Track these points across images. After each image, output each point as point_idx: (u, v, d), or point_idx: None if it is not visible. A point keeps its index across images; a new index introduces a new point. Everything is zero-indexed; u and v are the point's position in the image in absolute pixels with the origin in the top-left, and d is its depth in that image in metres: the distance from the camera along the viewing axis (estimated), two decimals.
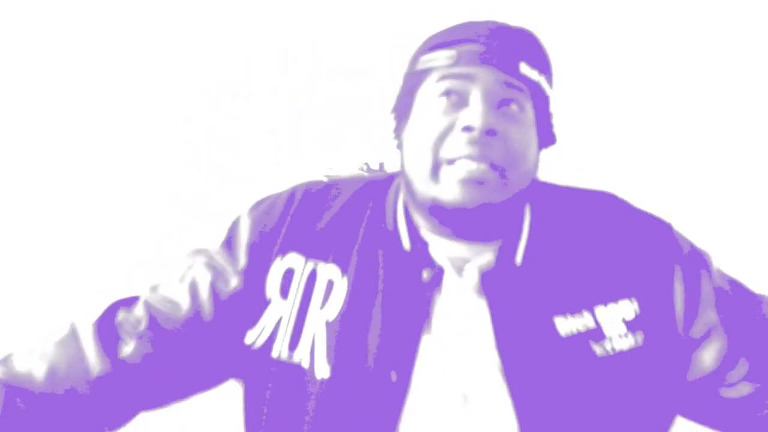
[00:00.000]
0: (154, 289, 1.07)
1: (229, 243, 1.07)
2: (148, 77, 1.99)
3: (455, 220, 0.99)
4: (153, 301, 1.05)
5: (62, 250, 1.91)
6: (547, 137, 1.07)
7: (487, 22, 1.07)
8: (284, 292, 1.02)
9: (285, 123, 1.96)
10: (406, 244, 1.03)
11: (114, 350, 1.02)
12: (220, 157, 1.96)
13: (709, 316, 1.03)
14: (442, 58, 1.03)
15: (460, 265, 1.01)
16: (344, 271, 1.02)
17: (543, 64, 1.06)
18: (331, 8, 1.94)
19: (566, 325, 0.99)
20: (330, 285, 1.02)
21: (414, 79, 1.05)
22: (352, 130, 1.91)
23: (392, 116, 1.10)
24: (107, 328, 1.03)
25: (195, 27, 2.00)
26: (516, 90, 1.00)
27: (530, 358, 0.97)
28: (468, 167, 0.97)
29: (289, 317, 1.01)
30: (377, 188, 1.10)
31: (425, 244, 1.02)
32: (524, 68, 1.02)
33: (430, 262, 1.01)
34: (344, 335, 0.99)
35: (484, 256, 1.01)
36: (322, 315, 1.01)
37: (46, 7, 1.95)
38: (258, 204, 1.11)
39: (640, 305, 1.00)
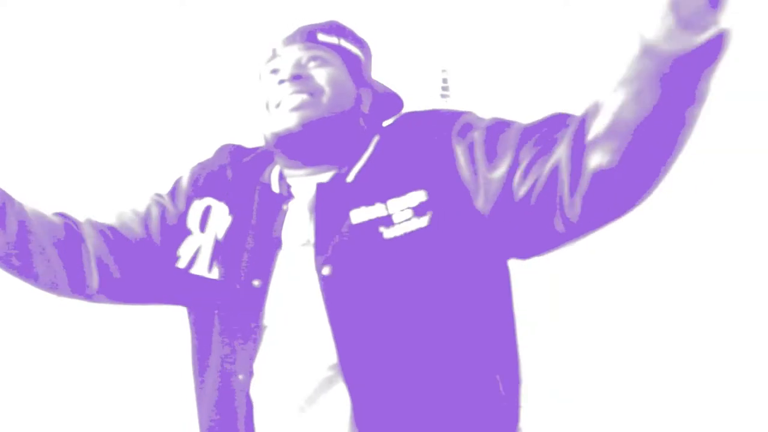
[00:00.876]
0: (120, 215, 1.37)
1: (173, 191, 1.38)
2: (144, 78, 1.99)
3: (290, 145, 1.26)
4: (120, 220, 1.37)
5: None
6: (362, 82, 1.32)
7: (300, 29, 1.35)
8: (202, 226, 1.32)
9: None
10: (275, 187, 1.31)
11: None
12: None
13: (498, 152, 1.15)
14: (268, 54, 1.34)
15: (309, 190, 1.25)
16: (232, 209, 1.32)
17: (341, 32, 1.34)
18: (328, 8, 1.94)
19: (360, 215, 1.19)
20: (223, 217, 1.32)
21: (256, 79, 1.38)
22: None
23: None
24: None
25: (194, 27, 2.00)
26: (320, 51, 1.30)
27: (331, 244, 1.19)
28: (286, 101, 1.25)
29: (205, 243, 1.31)
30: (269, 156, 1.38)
31: (288, 186, 1.28)
32: (321, 36, 1.32)
33: (288, 196, 1.28)
34: (227, 251, 1.28)
35: (324, 176, 1.26)
36: (216, 236, 1.32)
37: (46, 8, 1.95)
38: (197, 164, 1.41)
39: (428, 192, 1.18)
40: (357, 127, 1.31)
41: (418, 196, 1.18)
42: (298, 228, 1.24)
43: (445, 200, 1.17)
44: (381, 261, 1.16)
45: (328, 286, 1.17)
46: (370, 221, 1.19)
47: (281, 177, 1.32)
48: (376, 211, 1.20)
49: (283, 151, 1.28)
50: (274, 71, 1.30)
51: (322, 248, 1.20)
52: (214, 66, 2.01)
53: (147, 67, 2.00)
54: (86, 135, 1.97)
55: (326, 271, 1.18)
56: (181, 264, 1.31)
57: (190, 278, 1.29)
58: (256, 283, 1.23)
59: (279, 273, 1.23)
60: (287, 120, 1.24)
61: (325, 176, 1.27)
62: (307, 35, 1.32)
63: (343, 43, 1.34)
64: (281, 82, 1.27)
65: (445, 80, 1.93)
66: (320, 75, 1.28)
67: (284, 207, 1.27)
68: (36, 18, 1.95)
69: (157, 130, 2.00)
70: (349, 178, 1.25)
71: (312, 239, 1.22)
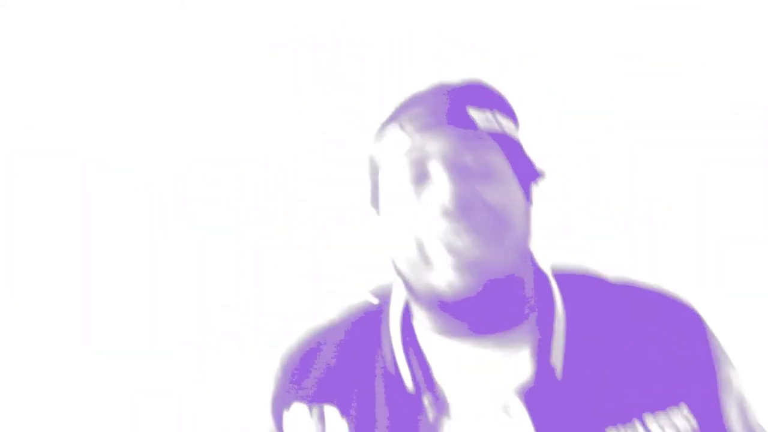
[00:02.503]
0: None
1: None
2: (144, 78, 1.99)
3: (464, 311, 0.91)
4: None
5: (62, 252, 1.92)
6: (528, 174, 0.98)
7: (427, 88, 0.99)
8: None
9: (284, 124, 1.97)
10: (409, 384, 0.94)
11: None
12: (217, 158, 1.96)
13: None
14: (390, 135, 0.96)
15: (483, 382, 0.92)
16: (342, 413, 0.95)
17: (493, 100, 0.97)
18: (324, 8, 1.94)
19: None
20: (332, 427, 0.96)
21: (374, 167, 0.99)
22: (348, 130, 1.91)
23: (373, 211, 1.02)
24: None
25: (194, 26, 2.00)
26: (475, 140, 0.93)
27: None
28: (455, 248, 0.89)
29: None
30: (369, 321, 1.02)
31: (431, 380, 0.93)
32: (473, 113, 0.94)
33: (434, 398, 0.92)
34: None
35: (512, 360, 0.92)
36: None
37: (45, 7, 1.95)
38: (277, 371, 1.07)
39: (691, 410, 0.92)
40: (532, 268, 0.98)
41: (680, 414, 0.91)
42: None
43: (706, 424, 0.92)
44: None
45: None
46: None
47: (412, 358, 0.95)
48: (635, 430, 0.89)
49: (453, 316, 0.92)
50: (419, 181, 0.92)
51: None
52: (215, 66, 2.01)
53: (147, 67, 2.00)
54: (86, 135, 1.97)
55: None
56: None
57: None
58: None
59: None
60: (459, 278, 0.88)
61: (508, 349, 0.92)
62: (456, 112, 0.93)
63: (500, 120, 0.96)
64: (442, 211, 0.89)
65: None
66: (492, 199, 0.91)
67: (430, 414, 0.91)
68: (36, 18, 1.95)
69: (156, 130, 2.00)
70: (557, 370, 0.91)
71: None
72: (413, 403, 0.92)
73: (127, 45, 1.98)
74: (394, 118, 0.97)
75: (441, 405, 0.92)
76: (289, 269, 1.90)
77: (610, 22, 1.81)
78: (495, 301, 0.90)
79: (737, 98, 1.79)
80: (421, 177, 0.92)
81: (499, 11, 1.84)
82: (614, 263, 1.80)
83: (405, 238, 0.92)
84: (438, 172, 0.91)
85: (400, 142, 0.94)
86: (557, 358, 0.92)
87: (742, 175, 1.81)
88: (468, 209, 0.89)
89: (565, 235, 1.74)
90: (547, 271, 1.00)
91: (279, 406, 1.01)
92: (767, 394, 1.79)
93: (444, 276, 0.89)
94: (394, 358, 0.96)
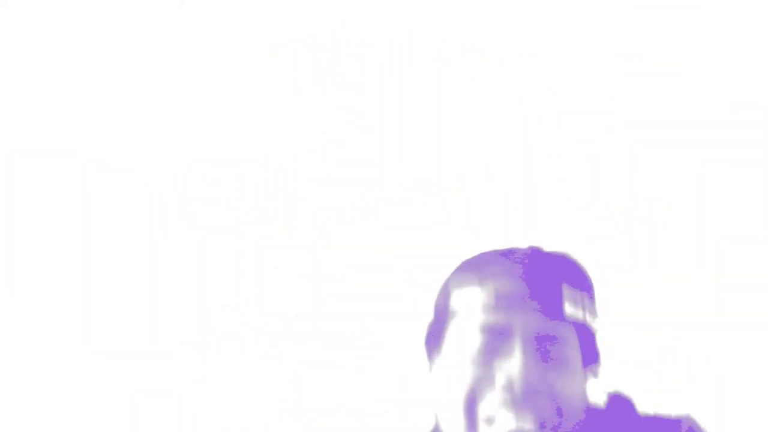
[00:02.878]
0: None
1: None
2: (144, 78, 1.99)
3: None
4: None
5: (62, 252, 1.91)
6: (590, 358, 0.97)
7: (521, 253, 0.97)
8: None
9: (284, 124, 1.96)
10: None
11: None
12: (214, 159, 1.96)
13: None
14: (476, 299, 0.93)
15: None
16: None
17: (585, 291, 0.95)
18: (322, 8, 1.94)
19: None
20: None
21: (446, 315, 0.97)
22: (348, 130, 1.91)
23: (425, 351, 1.02)
24: None
25: (193, 27, 2.00)
26: (559, 329, 0.91)
27: None
28: (507, 426, 0.87)
29: None
30: None
31: None
32: (568, 308, 0.92)
33: None
34: None
35: None
36: None
37: (45, 7, 1.95)
38: None
39: None
40: None
41: None
42: None
43: None
44: None
45: None
46: None
47: None
48: None
49: None
50: (489, 340, 0.91)
51: None
52: (215, 66, 2.01)
53: (147, 67, 2.00)
54: (86, 135, 1.97)
55: None
56: None
57: None
58: None
59: None
60: None
61: None
62: (551, 303, 0.91)
63: (587, 305, 0.95)
64: (508, 387, 0.88)
65: None
66: (561, 389, 0.90)
67: None
68: (36, 18, 1.95)
69: (156, 130, 2.00)
70: None
71: None
72: None
73: (127, 45, 1.98)
74: (480, 281, 0.94)
75: None
76: (289, 269, 1.90)
77: (610, 22, 1.81)
78: None
79: (737, 98, 1.79)
80: (495, 351, 0.90)
81: (499, 11, 1.84)
82: (615, 263, 1.81)
83: (455, 400, 0.91)
84: (516, 348, 0.89)
85: (484, 301, 0.93)
86: None
87: (742, 175, 1.81)
88: (532, 393, 0.88)
89: (565, 235, 1.74)
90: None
91: None
92: (767, 393, 1.79)
93: None
94: None
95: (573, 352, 0.92)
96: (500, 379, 0.88)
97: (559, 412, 0.89)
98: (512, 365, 0.88)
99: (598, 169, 1.82)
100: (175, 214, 1.92)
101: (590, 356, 0.96)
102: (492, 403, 0.88)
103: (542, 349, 0.90)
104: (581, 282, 0.95)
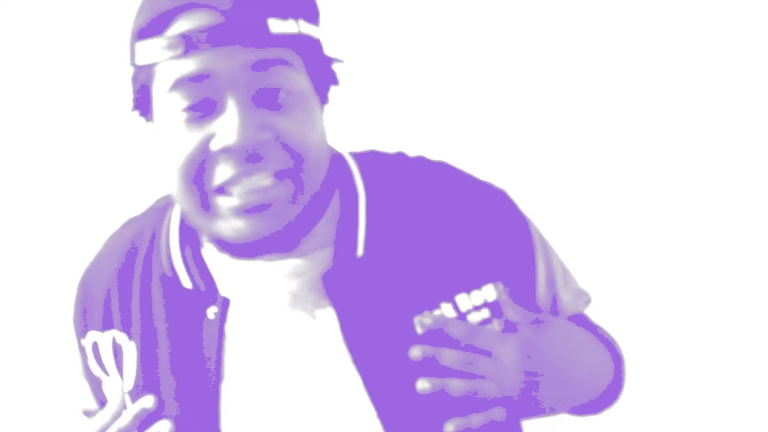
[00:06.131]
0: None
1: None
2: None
3: (247, 251, 0.84)
4: None
5: (62, 252, 1.92)
6: (325, 86, 0.88)
7: None
8: (102, 368, 0.94)
9: None
10: (186, 282, 0.87)
11: None
12: None
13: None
14: (161, 48, 0.80)
15: (273, 276, 0.85)
16: (130, 335, 0.88)
17: (295, 5, 0.82)
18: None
19: (425, 322, 0.84)
20: (121, 352, 0.90)
21: (142, 75, 0.85)
22: (347, 130, 1.91)
23: (137, 118, 0.91)
24: None
25: None
26: (275, 63, 0.78)
27: (391, 369, 0.82)
28: (243, 193, 0.79)
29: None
30: (138, 226, 0.96)
31: (209, 276, 0.87)
32: (275, 25, 0.78)
33: (213, 296, 0.85)
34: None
35: (312, 256, 0.85)
36: (124, 386, 0.90)
37: (45, 7, 1.95)
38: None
39: (506, 288, 0.88)
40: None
41: (494, 291, 0.88)
42: (261, 345, 0.83)
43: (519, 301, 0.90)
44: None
45: (384, 405, 0.81)
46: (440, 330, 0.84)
47: (188, 257, 0.88)
48: (445, 313, 0.85)
49: (233, 253, 0.86)
50: (194, 103, 0.78)
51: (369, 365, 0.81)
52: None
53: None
54: (86, 135, 1.97)
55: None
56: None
57: None
58: None
59: (232, 418, 0.83)
60: (244, 226, 0.80)
61: (285, 263, 0.85)
62: (255, 26, 0.76)
63: (303, 26, 0.81)
64: (226, 151, 0.78)
65: None
66: (293, 133, 0.80)
67: (210, 313, 0.84)
68: (35, 17, 1.95)
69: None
70: (359, 251, 0.86)
71: (335, 345, 0.82)
72: (193, 301, 0.86)
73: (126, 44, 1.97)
74: (159, 26, 0.80)
75: (220, 300, 0.85)
76: None
77: (610, 22, 1.81)
78: (288, 235, 0.83)
79: (737, 98, 1.79)
80: (203, 105, 0.79)
81: (498, 11, 1.84)
82: (614, 263, 1.80)
83: (178, 175, 0.81)
84: (226, 104, 0.78)
85: (173, 56, 0.79)
86: (359, 235, 0.86)
87: (741, 175, 1.80)
88: (259, 147, 0.78)
89: (565, 234, 1.74)
90: (345, 153, 0.94)
91: (78, 332, 0.97)
92: (766, 392, 1.79)
93: (228, 224, 0.80)
94: (170, 258, 0.89)
95: (298, 85, 0.80)
96: (216, 143, 0.79)
97: (296, 157, 0.80)
98: (226, 123, 0.77)
99: (598, 168, 1.82)
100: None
101: (321, 71, 0.85)
102: (216, 172, 0.79)
103: (258, 92, 0.78)
104: (293, 7, 0.81)
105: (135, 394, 0.88)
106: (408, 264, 0.85)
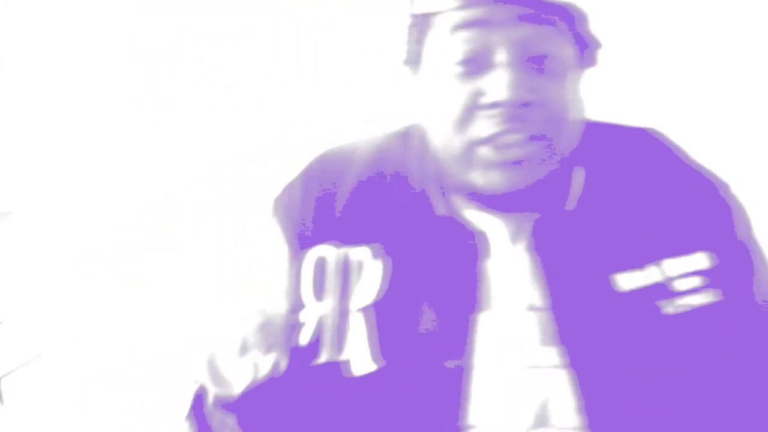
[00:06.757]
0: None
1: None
2: (145, 78, 1.99)
3: (497, 204, 0.88)
4: None
5: (62, 252, 1.92)
6: (586, 59, 0.93)
7: None
8: (318, 293, 0.90)
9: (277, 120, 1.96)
10: (441, 208, 0.91)
11: None
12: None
13: None
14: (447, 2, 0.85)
15: (505, 225, 0.89)
16: (375, 252, 0.89)
17: None
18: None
19: (629, 280, 0.85)
20: (363, 269, 0.89)
21: (418, 24, 0.91)
22: (348, 130, 1.91)
23: (407, 69, 0.96)
24: None
25: (193, 26, 2.00)
26: (547, 26, 0.84)
27: (589, 321, 0.84)
28: (503, 147, 0.84)
29: (331, 317, 0.88)
30: (395, 146, 0.97)
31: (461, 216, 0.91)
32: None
33: (469, 227, 0.89)
34: (387, 323, 0.86)
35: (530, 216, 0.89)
36: (360, 304, 0.88)
37: (45, 7, 1.95)
38: (277, 202, 1.00)
39: (712, 257, 0.87)
40: None
41: (702, 260, 0.87)
42: (509, 281, 0.87)
43: (736, 277, 0.88)
44: (661, 349, 0.83)
45: (581, 364, 0.82)
46: (643, 290, 0.85)
47: (441, 186, 0.92)
48: (650, 275, 0.86)
49: (482, 204, 0.90)
50: (469, 55, 0.84)
51: (566, 317, 0.84)
52: (214, 66, 2.01)
53: (147, 67, 2.00)
54: (87, 135, 1.97)
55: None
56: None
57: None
58: (450, 364, 0.83)
59: (483, 347, 0.85)
60: (501, 178, 0.85)
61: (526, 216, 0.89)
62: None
63: None
64: (495, 105, 0.83)
65: None
66: (555, 101, 0.85)
67: (472, 245, 0.87)
68: (36, 17, 1.95)
69: (157, 130, 2.00)
70: (569, 205, 0.90)
71: (541, 303, 0.86)
72: (445, 228, 0.90)
73: (127, 45, 1.98)
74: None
75: (476, 231, 0.90)
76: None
77: (610, 22, 1.80)
78: (531, 196, 0.88)
79: (737, 98, 1.79)
80: (479, 65, 0.85)
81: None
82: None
83: (444, 125, 0.86)
84: (499, 61, 0.83)
85: (456, 6, 0.85)
86: (573, 190, 0.90)
87: (742, 174, 1.80)
88: (523, 107, 0.83)
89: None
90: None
91: (300, 236, 0.93)
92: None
93: (483, 174, 0.85)
94: (423, 177, 0.93)
95: (565, 54, 0.87)
96: (487, 96, 0.84)
97: (553, 121, 0.86)
98: (498, 79, 0.83)
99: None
100: (175, 214, 1.92)
101: (586, 59, 0.91)
102: (481, 124, 0.85)
103: (531, 57, 0.84)
104: None
105: (373, 313, 0.87)
106: (616, 223, 0.88)
